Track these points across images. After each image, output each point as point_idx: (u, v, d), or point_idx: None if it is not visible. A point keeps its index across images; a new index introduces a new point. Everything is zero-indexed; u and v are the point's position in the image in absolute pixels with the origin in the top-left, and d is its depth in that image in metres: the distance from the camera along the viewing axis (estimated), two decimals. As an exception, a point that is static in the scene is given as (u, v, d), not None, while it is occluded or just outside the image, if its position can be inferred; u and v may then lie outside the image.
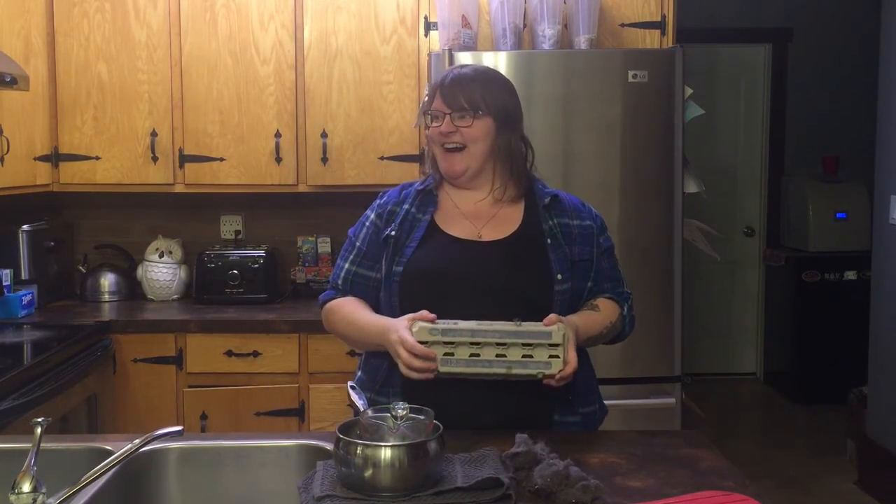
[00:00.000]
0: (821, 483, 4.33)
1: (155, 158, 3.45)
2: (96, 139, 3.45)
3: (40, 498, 1.34)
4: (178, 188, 3.50)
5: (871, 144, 4.25)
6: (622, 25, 3.34)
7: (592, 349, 2.00)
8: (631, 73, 2.97)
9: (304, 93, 3.45)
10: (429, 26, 3.40)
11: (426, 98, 2.01)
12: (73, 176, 3.46)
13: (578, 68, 3.01)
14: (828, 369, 5.46)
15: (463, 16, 3.17)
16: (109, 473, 1.52)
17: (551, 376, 1.73)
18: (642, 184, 3.03)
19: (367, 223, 2.02)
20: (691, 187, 3.11)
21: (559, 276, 1.90)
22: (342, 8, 3.42)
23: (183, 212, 3.83)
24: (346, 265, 2.02)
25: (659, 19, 3.34)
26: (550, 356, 1.72)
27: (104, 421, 3.04)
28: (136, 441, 1.45)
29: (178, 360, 3.23)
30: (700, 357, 5.96)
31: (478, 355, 1.72)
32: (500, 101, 1.95)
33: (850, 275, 5.57)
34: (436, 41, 3.33)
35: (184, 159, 3.46)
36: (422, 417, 1.54)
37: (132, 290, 3.70)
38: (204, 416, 3.19)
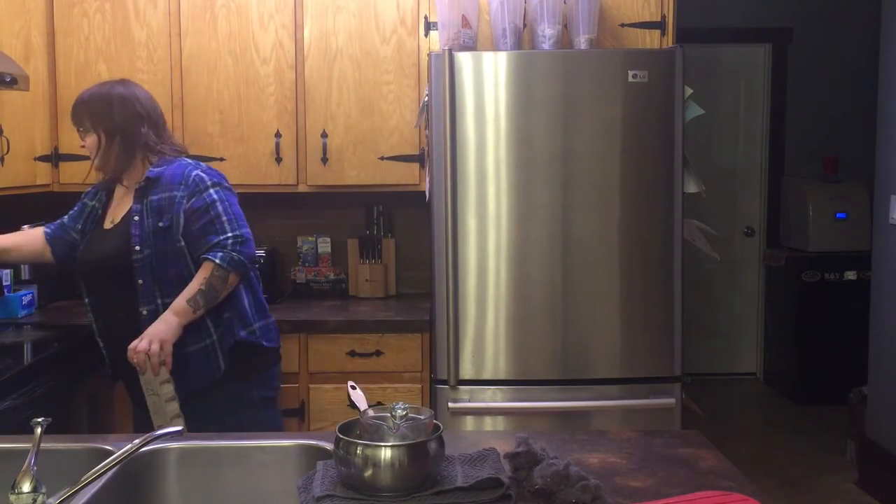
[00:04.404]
0: (821, 483, 4.33)
1: (155, 158, 3.44)
2: (96, 139, 3.44)
3: (40, 498, 1.33)
4: (178, 188, 3.50)
5: (871, 144, 4.25)
6: (622, 25, 3.35)
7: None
8: (631, 73, 2.97)
9: (304, 93, 3.45)
10: (429, 26, 3.40)
11: None
12: (74, 176, 3.45)
13: (578, 68, 3.01)
14: (828, 369, 5.46)
15: (463, 16, 3.16)
16: (109, 473, 1.52)
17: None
18: (642, 184, 3.02)
19: None
20: (691, 187, 3.11)
21: (137, 248, 2.39)
22: (342, 8, 3.42)
23: (183, 212, 3.82)
24: None
25: (659, 19, 3.34)
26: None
27: (104, 421, 3.03)
28: (136, 441, 1.45)
29: (178, 360, 3.22)
30: (700, 357, 5.96)
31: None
32: (102, 116, 2.46)
33: (850, 275, 5.57)
34: (436, 41, 3.33)
35: (184, 159, 3.45)
36: (422, 417, 1.54)
37: (132, 290, 3.68)
38: (204, 416, 3.19)
